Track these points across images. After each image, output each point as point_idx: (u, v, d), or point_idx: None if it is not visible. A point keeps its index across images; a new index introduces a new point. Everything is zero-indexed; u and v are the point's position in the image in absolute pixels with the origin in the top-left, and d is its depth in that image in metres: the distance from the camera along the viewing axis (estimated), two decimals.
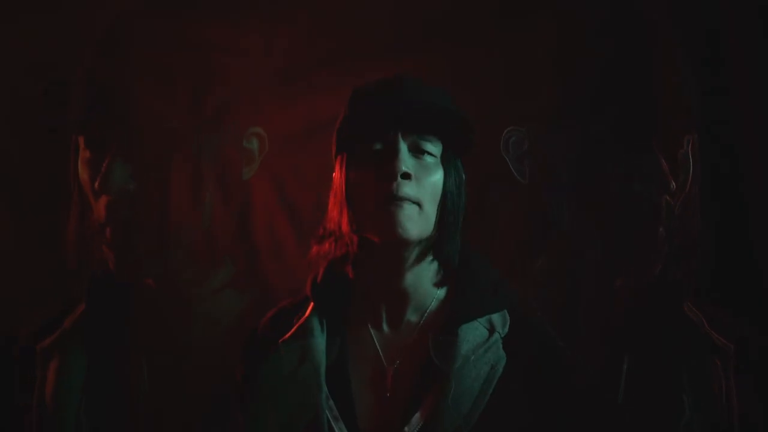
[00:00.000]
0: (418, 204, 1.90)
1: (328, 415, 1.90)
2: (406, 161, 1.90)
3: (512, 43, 2.27)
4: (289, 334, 1.98)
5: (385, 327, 1.98)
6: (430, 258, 1.97)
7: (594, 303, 2.14)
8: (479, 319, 1.95)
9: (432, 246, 1.96)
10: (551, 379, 1.92)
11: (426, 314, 1.98)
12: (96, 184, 2.17)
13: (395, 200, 1.88)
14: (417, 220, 1.90)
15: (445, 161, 1.95)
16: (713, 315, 2.12)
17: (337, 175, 1.97)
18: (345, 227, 1.94)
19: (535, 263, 2.21)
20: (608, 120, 2.13)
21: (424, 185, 1.91)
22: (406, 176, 1.89)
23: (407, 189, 1.89)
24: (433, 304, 1.99)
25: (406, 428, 1.88)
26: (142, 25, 2.23)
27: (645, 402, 2.08)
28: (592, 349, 2.08)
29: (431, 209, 1.92)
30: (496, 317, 1.96)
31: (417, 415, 1.88)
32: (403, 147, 1.91)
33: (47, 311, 2.28)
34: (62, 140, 2.26)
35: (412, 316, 1.98)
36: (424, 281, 1.98)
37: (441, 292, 2.00)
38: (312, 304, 2.01)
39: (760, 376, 2.08)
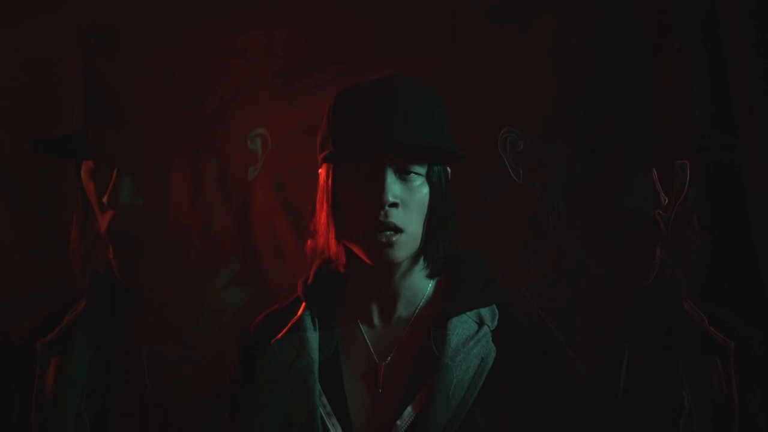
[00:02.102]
0: (405, 230, 1.91)
1: (321, 412, 1.92)
2: (393, 188, 1.90)
3: (512, 43, 2.26)
4: (282, 333, 2.00)
5: (376, 323, 2.00)
6: (420, 261, 1.98)
7: (592, 302, 2.14)
8: (468, 313, 1.96)
9: (422, 251, 1.97)
10: (542, 372, 1.92)
11: (416, 310, 2.00)
12: (105, 199, 2.17)
13: (382, 229, 1.90)
14: (404, 244, 1.93)
15: (431, 176, 1.95)
16: (714, 313, 2.12)
17: (323, 181, 1.97)
18: (333, 245, 1.96)
19: (534, 263, 2.21)
20: (607, 119, 2.13)
21: (410, 207, 1.92)
22: (393, 205, 1.90)
23: (394, 218, 1.90)
24: (424, 300, 2.00)
25: (398, 422, 1.89)
26: (142, 25, 2.24)
27: (644, 399, 2.08)
28: (589, 346, 2.08)
29: (418, 228, 1.94)
30: (485, 311, 1.97)
31: (409, 409, 1.90)
32: (390, 174, 1.91)
33: (48, 308, 2.28)
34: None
35: (402, 312, 2.00)
36: (415, 280, 2.00)
37: (431, 288, 2.01)
38: (304, 304, 2.02)
39: (760, 374, 2.08)
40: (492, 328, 1.96)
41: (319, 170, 2.00)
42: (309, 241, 2.04)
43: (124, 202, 2.17)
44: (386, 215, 1.89)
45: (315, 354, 1.96)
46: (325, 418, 1.92)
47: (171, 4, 2.28)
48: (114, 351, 2.22)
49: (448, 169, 2.00)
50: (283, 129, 2.30)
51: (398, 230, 1.90)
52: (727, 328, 2.10)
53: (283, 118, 2.30)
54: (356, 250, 1.95)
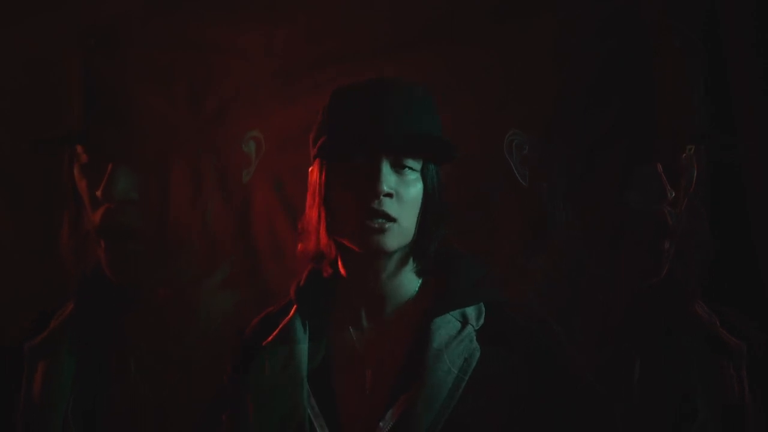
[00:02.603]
0: (398, 220, 1.92)
1: (310, 414, 1.93)
2: (388, 179, 1.91)
3: (512, 43, 2.26)
4: (272, 336, 2.01)
5: (364, 324, 2.01)
6: (410, 260, 1.99)
7: (592, 302, 2.14)
8: (452, 313, 1.96)
9: (412, 249, 1.97)
10: (541, 372, 1.92)
11: (404, 310, 2.00)
12: (98, 192, 2.17)
13: (375, 216, 1.90)
14: (396, 234, 1.93)
15: (426, 174, 1.96)
16: (725, 315, 2.12)
17: (316, 176, 1.98)
18: (324, 236, 1.96)
19: (534, 263, 2.21)
20: (607, 119, 2.14)
21: (404, 200, 1.93)
22: (388, 195, 1.91)
23: (388, 207, 1.91)
24: (411, 300, 2.00)
25: (381, 423, 1.90)
26: (142, 25, 2.24)
27: (656, 404, 2.07)
28: (589, 346, 2.08)
29: (411, 222, 1.94)
30: (470, 310, 1.98)
31: (391, 411, 1.90)
32: (385, 166, 1.92)
33: (38, 310, 2.28)
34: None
35: (390, 313, 2.00)
36: (404, 280, 2.00)
37: (419, 288, 2.01)
38: (295, 306, 2.03)
39: (761, 374, 2.08)
40: (476, 328, 1.96)
41: (310, 168, 2.01)
42: (300, 245, 2.04)
43: (118, 195, 2.17)
44: (380, 204, 1.90)
45: (303, 359, 1.97)
46: (313, 420, 1.92)
47: (171, 4, 2.28)
48: (103, 354, 2.21)
49: (441, 180, 2.00)
50: (283, 129, 2.30)
51: (391, 219, 1.91)
52: (738, 329, 2.10)
53: (283, 118, 2.30)
54: (346, 241, 1.95)
